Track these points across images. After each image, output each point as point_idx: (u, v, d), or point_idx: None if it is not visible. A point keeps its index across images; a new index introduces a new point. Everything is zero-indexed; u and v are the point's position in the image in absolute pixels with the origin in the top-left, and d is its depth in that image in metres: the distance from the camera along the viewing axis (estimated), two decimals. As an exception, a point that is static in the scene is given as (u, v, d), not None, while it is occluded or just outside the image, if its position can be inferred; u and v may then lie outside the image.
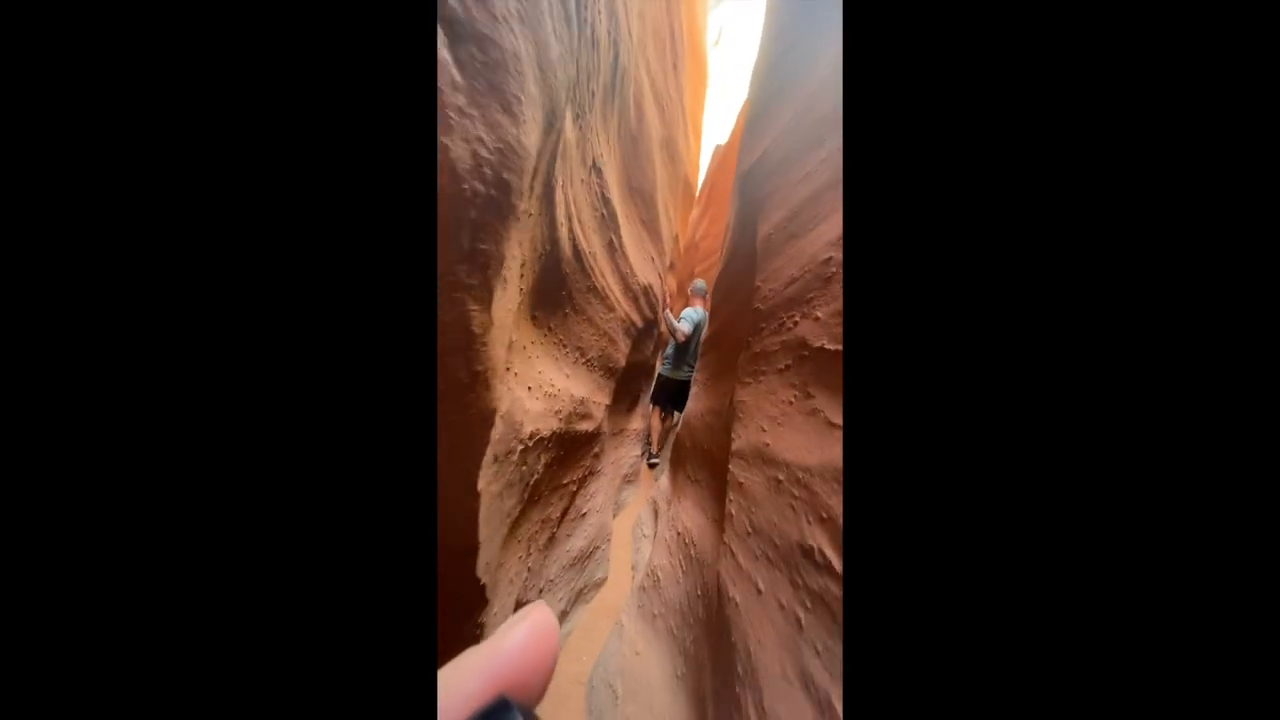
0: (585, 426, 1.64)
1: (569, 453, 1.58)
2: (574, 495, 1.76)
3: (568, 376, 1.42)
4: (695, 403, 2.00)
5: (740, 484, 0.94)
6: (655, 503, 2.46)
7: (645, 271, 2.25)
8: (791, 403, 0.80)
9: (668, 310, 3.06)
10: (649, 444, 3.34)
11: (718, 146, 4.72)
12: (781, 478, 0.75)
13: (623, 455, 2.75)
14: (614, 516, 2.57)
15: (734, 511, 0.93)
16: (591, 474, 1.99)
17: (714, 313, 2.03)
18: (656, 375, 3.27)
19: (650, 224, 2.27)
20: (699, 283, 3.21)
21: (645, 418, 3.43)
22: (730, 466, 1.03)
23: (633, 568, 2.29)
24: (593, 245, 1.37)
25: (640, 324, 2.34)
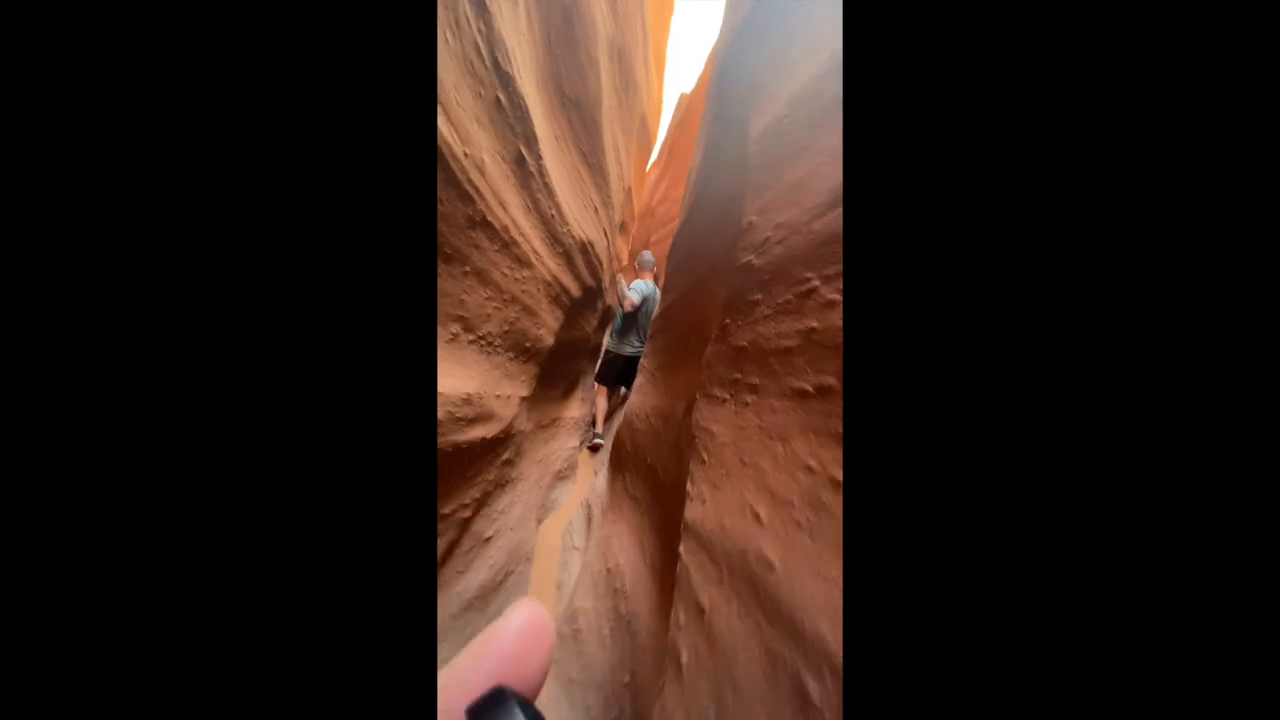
0: (480, 433, 1.12)
1: (451, 471, 1.07)
2: (468, 522, 1.26)
3: (431, 365, 0.88)
4: (640, 396, 1.53)
5: (700, 607, 0.47)
6: (589, 507, 2.02)
7: (584, 222, 1.69)
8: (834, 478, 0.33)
9: (619, 275, 2.79)
10: (594, 424, 3.03)
11: (682, 95, 4.09)
12: (804, 672, 0.29)
13: (554, 450, 2.25)
14: (540, 522, 2.10)
15: (685, 657, 0.47)
16: (501, 486, 1.48)
17: (669, 281, 1.54)
18: (603, 350, 3.01)
19: (593, 158, 1.69)
20: (646, 254, 2.93)
21: (589, 401, 2.99)
22: (681, 550, 0.56)
23: (558, 587, 1.84)
24: (473, 145, 0.80)
25: (577, 291, 1.80)
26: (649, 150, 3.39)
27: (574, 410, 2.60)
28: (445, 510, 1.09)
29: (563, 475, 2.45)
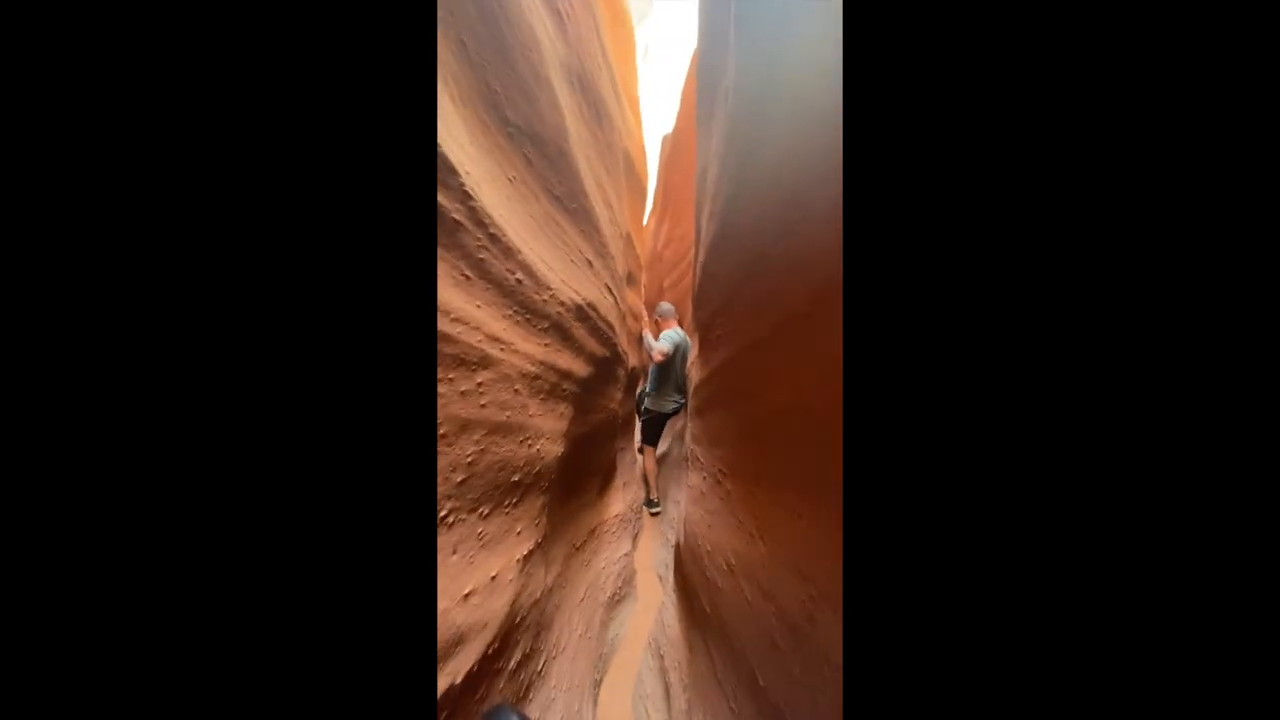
0: (442, 685, 0.59)
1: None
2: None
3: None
4: (705, 516, 0.95)
5: None
6: (661, 657, 1.38)
7: (576, 282, 1.24)
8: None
9: (646, 332, 2.64)
10: (647, 490, 2.75)
11: (665, 136, 3.86)
12: None
13: (600, 571, 1.66)
14: (599, 685, 1.46)
15: None
16: (517, 701, 0.90)
17: (710, 330, 1.02)
18: (642, 410, 2.72)
19: (572, 203, 1.27)
20: (664, 305, 2.74)
21: (634, 483, 2.46)
22: None
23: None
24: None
25: (584, 369, 1.31)
26: (642, 197, 3.06)
27: (617, 505, 2.02)
28: None
29: (619, 598, 1.82)
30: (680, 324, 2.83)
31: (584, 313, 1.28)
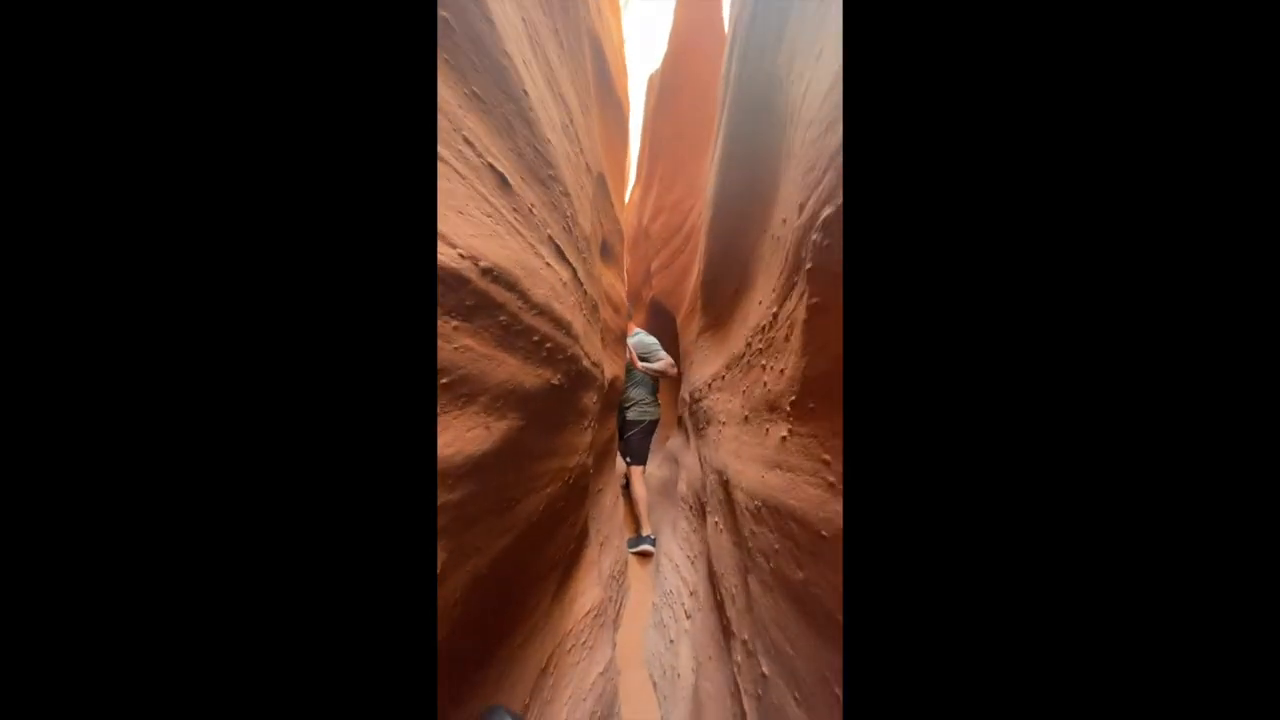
0: None
1: None
2: None
3: None
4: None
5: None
6: None
7: (463, 220, 0.50)
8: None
9: (632, 344, 2.28)
10: (638, 525, 2.19)
11: (651, 75, 3.05)
12: None
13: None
14: None
15: None
16: None
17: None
18: (626, 423, 2.30)
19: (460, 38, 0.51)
20: None
21: (610, 564, 1.79)
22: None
23: None
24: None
25: (483, 440, 0.58)
26: (624, 139, 2.26)
27: (589, 594, 1.31)
28: None
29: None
30: (673, 315, 2.42)
31: (485, 292, 0.54)
